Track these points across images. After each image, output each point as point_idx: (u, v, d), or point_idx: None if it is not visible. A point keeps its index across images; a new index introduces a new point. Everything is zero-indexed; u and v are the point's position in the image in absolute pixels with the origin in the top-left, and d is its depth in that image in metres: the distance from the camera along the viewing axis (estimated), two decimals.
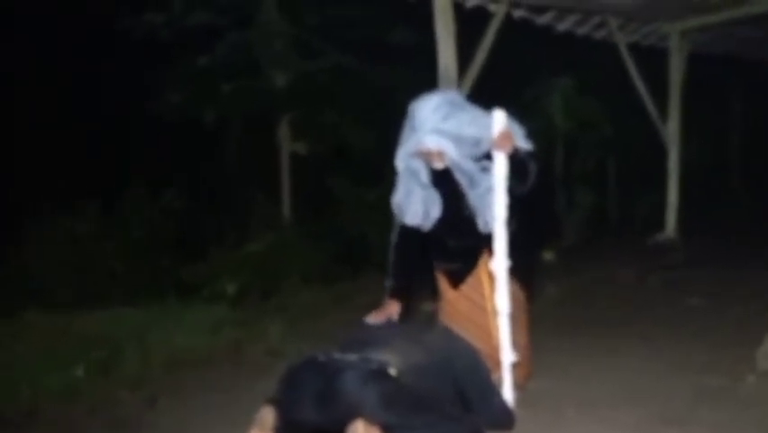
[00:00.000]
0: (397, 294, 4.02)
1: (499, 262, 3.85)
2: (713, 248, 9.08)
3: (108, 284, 8.30)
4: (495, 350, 3.90)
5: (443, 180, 3.93)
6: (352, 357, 3.23)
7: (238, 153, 14.52)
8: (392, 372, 3.17)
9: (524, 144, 3.94)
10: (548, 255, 10.33)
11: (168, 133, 12.89)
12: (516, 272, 4.03)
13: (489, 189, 3.83)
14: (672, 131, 9.25)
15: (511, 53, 9.71)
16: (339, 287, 8.24)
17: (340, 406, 3.06)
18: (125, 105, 12.70)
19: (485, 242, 3.92)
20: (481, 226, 3.93)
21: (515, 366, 3.98)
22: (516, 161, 3.82)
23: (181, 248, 10.06)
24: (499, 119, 3.77)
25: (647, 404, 3.98)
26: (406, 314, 4.02)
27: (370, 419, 2.99)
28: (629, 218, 13.36)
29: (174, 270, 8.98)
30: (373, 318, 3.86)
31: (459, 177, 3.87)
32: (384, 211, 4.21)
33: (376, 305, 4.00)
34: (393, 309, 3.95)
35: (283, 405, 3.24)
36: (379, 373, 3.15)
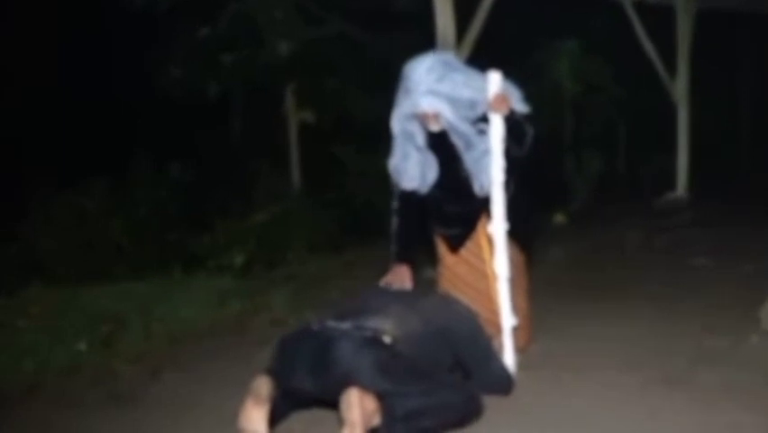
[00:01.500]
0: (403, 258, 4.02)
1: (497, 225, 3.82)
2: (722, 208, 9.02)
3: (114, 259, 8.32)
4: (495, 314, 3.88)
5: (440, 143, 3.88)
6: (346, 325, 3.21)
7: (244, 125, 14.48)
8: (387, 339, 3.16)
9: (521, 107, 3.88)
10: (559, 218, 10.31)
11: (173, 107, 12.88)
12: (515, 236, 4.00)
13: (486, 152, 3.79)
14: (680, 90, 9.13)
15: (515, 17, 9.62)
16: (346, 255, 8.23)
17: (334, 374, 3.05)
18: (130, 81, 12.67)
19: (483, 206, 3.89)
20: (477, 190, 3.90)
21: (515, 330, 3.96)
22: (513, 124, 3.77)
23: (189, 221, 10.08)
24: (495, 81, 3.72)
25: (648, 366, 3.94)
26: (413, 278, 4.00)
27: (365, 387, 2.97)
28: (639, 180, 13.26)
29: (181, 243, 8.99)
30: (388, 282, 3.87)
31: (455, 139, 3.83)
32: (391, 179, 4.16)
33: (383, 273, 3.99)
34: (405, 273, 3.95)
35: (278, 374, 3.23)
36: (374, 341, 3.13)
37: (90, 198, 9.43)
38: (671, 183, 9.37)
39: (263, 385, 3.19)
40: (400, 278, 3.92)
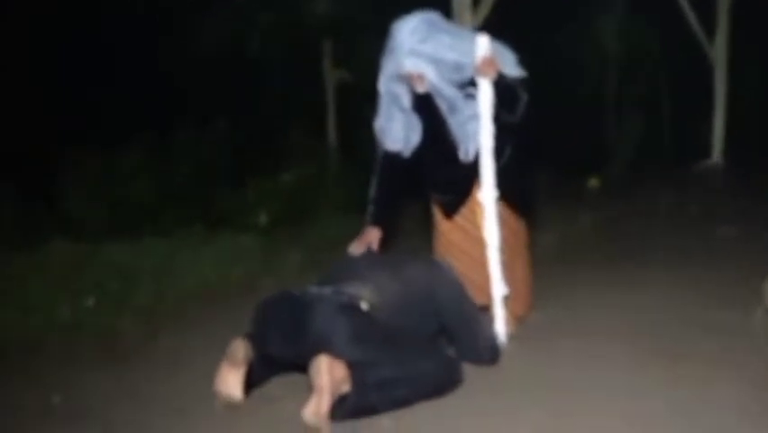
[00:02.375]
0: (377, 221, 3.94)
1: (487, 192, 3.73)
2: (758, 176, 8.70)
3: (142, 217, 8.39)
4: (488, 281, 3.81)
5: (425, 105, 3.80)
6: (326, 291, 3.18)
7: (283, 84, 14.44)
8: (364, 305, 3.12)
9: (514, 71, 3.76)
10: (593, 182, 10.12)
11: (213, 66, 12.91)
12: (513, 203, 3.92)
13: (472, 117, 3.69)
14: (719, 53, 8.78)
15: None
16: None
17: (308, 339, 3.03)
18: (171, 42, 12.69)
19: (477, 172, 3.79)
20: (462, 156, 3.81)
21: (512, 299, 3.89)
22: (503, 89, 3.65)
23: (225, 179, 10.13)
24: (482, 44, 3.60)
25: (647, 339, 3.82)
26: (386, 242, 3.94)
27: (336, 354, 2.95)
28: (682, 144, 12.91)
29: (210, 201, 9.05)
30: (354, 247, 3.80)
31: (439, 102, 3.74)
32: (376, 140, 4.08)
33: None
34: (373, 236, 3.88)
35: (255, 339, 3.23)
36: (350, 307, 3.10)
37: (126, 157, 9.55)
38: (708, 148, 9.07)
39: (239, 349, 3.19)
40: (366, 242, 3.85)
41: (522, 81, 3.75)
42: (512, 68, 3.74)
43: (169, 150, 10.39)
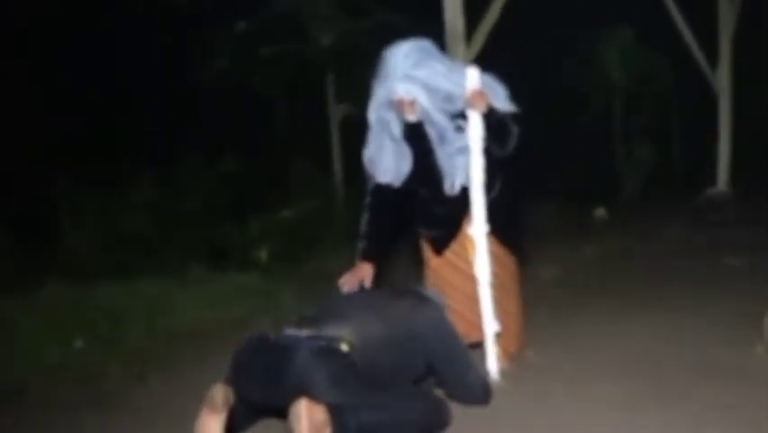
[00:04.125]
0: (369, 257, 3.84)
1: (478, 227, 3.65)
2: (766, 204, 8.57)
3: (141, 255, 8.30)
4: (480, 318, 3.71)
5: (415, 135, 3.73)
6: (303, 334, 3.08)
7: (288, 119, 14.47)
8: (343, 347, 3.01)
9: (505, 105, 3.70)
10: (600, 213, 10.03)
11: (218, 101, 12.94)
12: (504, 238, 3.84)
13: (462, 151, 3.63)
14: (722, 81, 8.69)
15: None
16: None
17: (287, 385, 2.93)
18: (172, 75, 12.75)
19: (467, 206, 3.71)
20: (448, 188, 3.73)
21: (504, 336, 3.79)
22: (494, 122, 3.59)
23: (227, 216, 10.06)
24: (472, 77, 3.55)
25: (643, 379, 3.69)
26: (379, 279, 3.85)
27: (316, 397, 2.85)
28: (689, 173, 12.80)
29: (211, 238, 8.97)
30: (345, 281, 3.72)
31: (429, 130, 3.67)
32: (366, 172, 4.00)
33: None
34: (365, 272, 3.78)
35: (234, 384, 3.13)
36: (329, 351, 2.99)
37: (128, 192, 9.50)
38: (714, 177, 8.95)
39: (219, 394, 3.08)
40: (359, 278, 3.75)
41: (513, 116, 3.67)
42: (503, 102, 3.68)
43: (173, 184, 10.34)
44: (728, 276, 5.91)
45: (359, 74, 11.92)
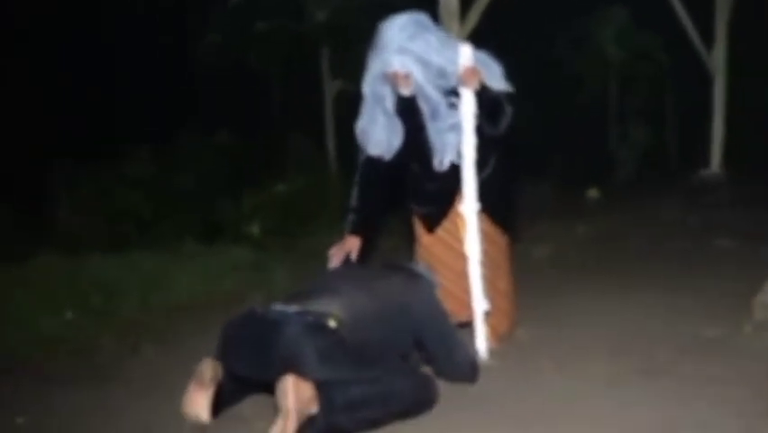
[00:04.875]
0: (357, 230, 3.86)
1: (469, 205, 3.65)
2: (760, 186, 8.58)
3: (135, 229, 8.31)
4: (471, 296, 3.73)
5: (408, 109, 3.71)
6: (291, 309, 3.09)
7: (283, 95, 14.41)
8: (331, 323, 3.02)
9: (500, 84, 3.69)
10: (593, 193, 10.04)
11: (214, 76, 12.86)
12: (495, 216, 3.85)
13: (453, 127, 3.63)
14: (717, 61, 8.66)
15: None
16: None
17: (275, 361, 2.94)
18: (172, 52, 12.66)
19: (459, 184, 3.71)
20: (436, 164, 3.73)
21: (494, 315, 3.80)
22: (487, 100, 3.58)
23: (225, 191, 10.06)
24: (465, 54, 3.54)
25: (631, 356, 3.71)
26: (366, 252, 3.87)
27: (303, 374, 2.86)
28: (683, 154, 12.80)
29: (205, 213, 8.98)
30: (333, 252, 3.75)
31: (422, 105, 3.66)
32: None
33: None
34: (352, 245, 3.81)
35: (222, 359, 3.15)
36: (317, 326, 3.00)
37: (124, 168, 9.50)
38: (707, 159, 8.96)
39: (207, 369, 3.11)
40: (345, 250, 3.78)
41: (507, 95, 3.67)
42: (498, 81, 3.67)
43: (169, 161, 10.33)
44: (720, 257, 5.93)
45: (354, 50, 11.93)
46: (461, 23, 5.75)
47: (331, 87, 12.00)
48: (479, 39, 4.41)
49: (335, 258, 3.75)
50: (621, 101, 12.96)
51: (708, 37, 8.64)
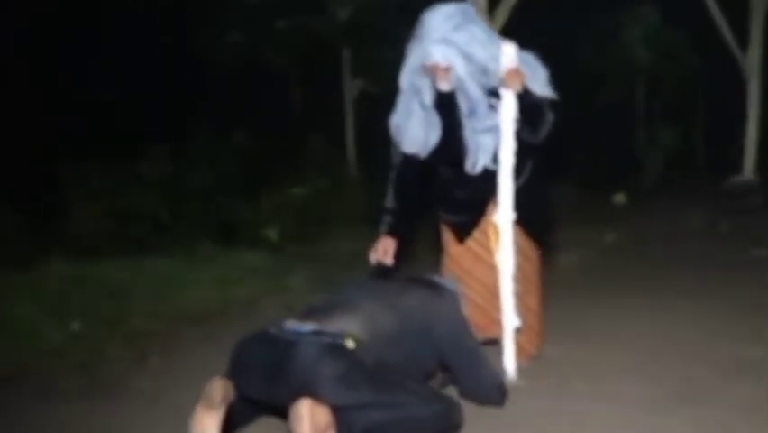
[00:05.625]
0: (393, 231, 3.66)
1: (504, 214, 3.41)
2: None
3: (150, 232, 8.11)
4: (501, 312, 3.50)
5: (447, 104, 3.46)
6: (306, 328, 2.87)
7: (303, 95, 14.20)
8: (349, 344, 2.80)
9: (543, 89, 3.43)
10: (619, 198, 9.79)
11: (232, 75, 12.70)
12: (528, 229, 3.60)
13: (490, 130, 3.39)
14: (753, 63, 8.36)
15: None
16: None
17: (290, 383, 2.73)
18: (185, 50, 12.48)
19: (492, 191, 3.47)
20: (468, 167, 3.49)
21: (524, 332, 3.58)
22: (528, 105, 3.33)
23: (241, 193, 9.87)
24: (509, 54, 3.28)
25: (667, 379, 3.48)
26: (402, 254, 3.69)
27: (320, 398, 2.65)
28: (713, 158, 12.48)
29: (222, 215, 8.78)
30: (372, 256, 3.63)
31: (461, 100, 3.41)
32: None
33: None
34: (389, 247, 3.62)
35: (234, 380, 2.93)
36: (334, 348, 2.78)
37: (137, 169, 9.32)
38: (740, 164, 8.66)
39: (217, 389, 2.88)
40: (383, 251, 3.61)
41: (550, 101, 3.43)
42: (542, 85, 3.42)
43: (184, 161, 10.14)
44: (757, 268, 5.68)
45: (376, 49, 11.72)
46: (491, 21, 5.49)
47: (351, 88, 11.78)
48: (510, 37, 4.18)
49: (377, 256, 3.63)
50: (648, 102, 12.63)
51: (742, 38, 8.36)
